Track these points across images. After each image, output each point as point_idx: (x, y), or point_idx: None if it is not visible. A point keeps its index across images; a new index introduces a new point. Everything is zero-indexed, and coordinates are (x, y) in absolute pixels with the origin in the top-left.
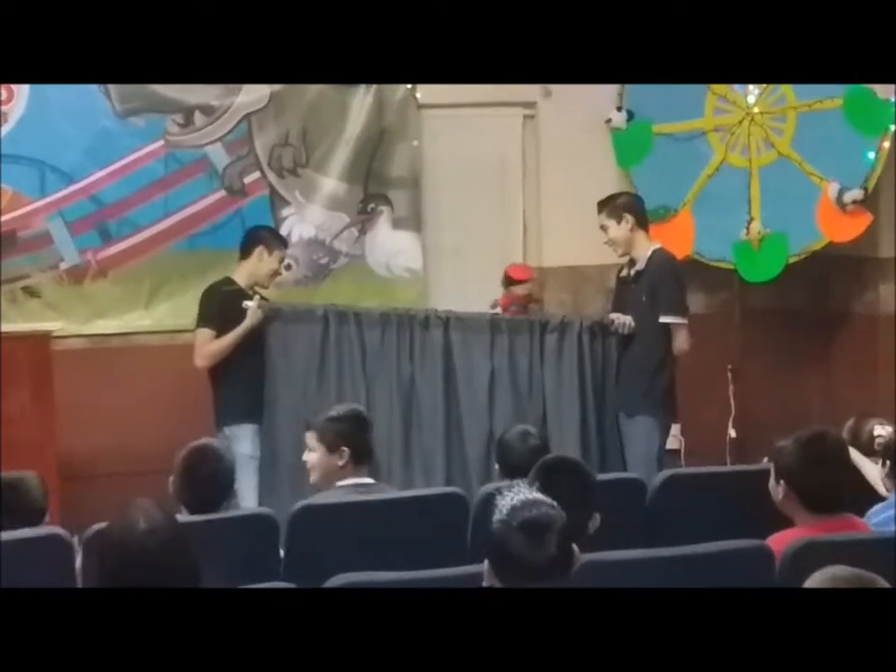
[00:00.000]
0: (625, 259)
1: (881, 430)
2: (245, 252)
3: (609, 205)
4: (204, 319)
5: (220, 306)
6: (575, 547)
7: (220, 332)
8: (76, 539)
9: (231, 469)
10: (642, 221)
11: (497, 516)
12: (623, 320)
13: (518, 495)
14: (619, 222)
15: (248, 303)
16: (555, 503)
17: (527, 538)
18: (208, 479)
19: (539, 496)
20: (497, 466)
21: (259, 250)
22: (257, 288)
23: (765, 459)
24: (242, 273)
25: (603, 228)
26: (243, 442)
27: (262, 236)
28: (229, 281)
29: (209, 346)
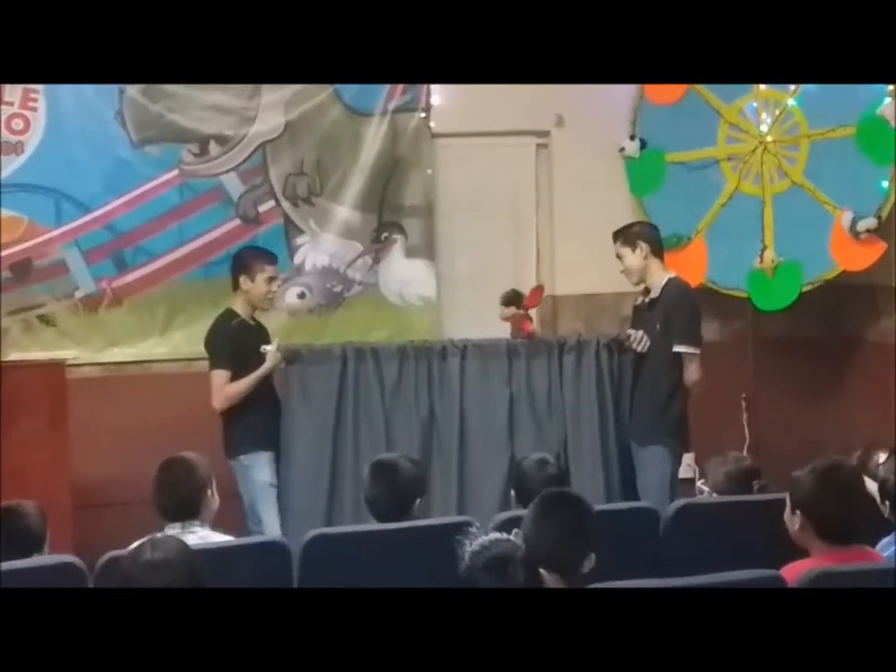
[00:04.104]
0: (640, 289)
1: (884, 458)
2: (234, 282)
3: (625, 234)
4: (218, 361)
5: (232, 344)
6: (542, 571)
7: (235, 370)
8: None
9: (203, 478)
10: (657, 250)
11: (461, 565)
12: (639, 336)
13: (476, 540)
14: (634, 250)
15: (267, 348)
16: (511, 537)
17: (493, 575)
18: (176, 485)
19: (494, 535)
20: (512, 493)
21: (243, 279)
22: (274, 340)
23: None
24: (239, 303)
25: (619, 256)
26: (261, 470)
27: (241, 263)
28: (231, 313)
29: (228, 389)
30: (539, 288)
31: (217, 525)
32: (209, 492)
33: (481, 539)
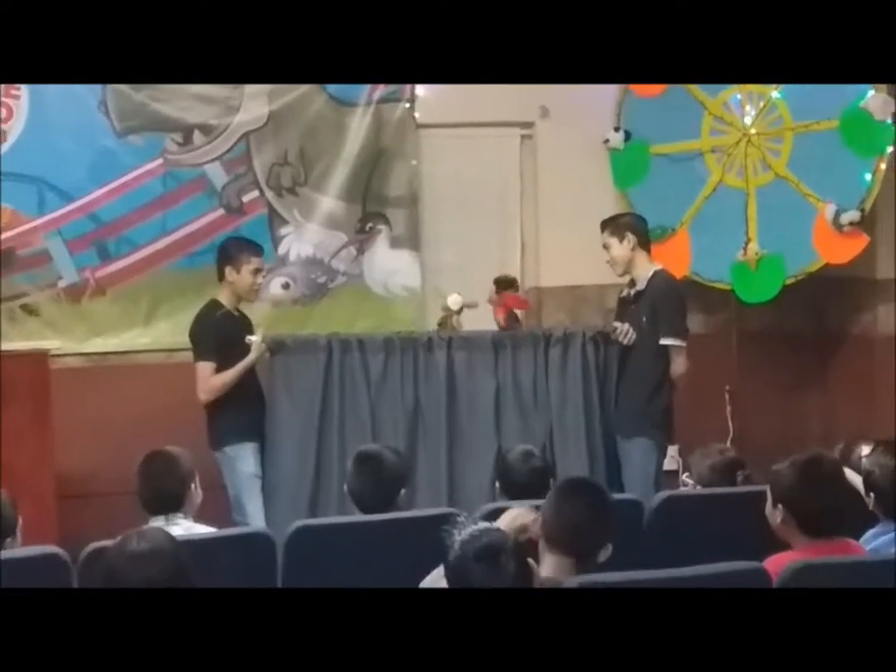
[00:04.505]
0: (625, 280)
1: (867, 450)
2: (219, 273)
3: (613, 224)
4: (203, 352)
5: (217, 336)
6: (531, 561)
7: (220, 362)
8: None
9: (185, 473)
10: (644, 242)
11: (451, 554)
12: (625, 328)
13: (465, 529)
14: (621, 241)
15: (252, 338)
16: (500, 527)
17: (484, 565)
18: (158, 479)
19: (483, 524)
20: (497, 484)
21: (228, 270)
22: (258, 330)
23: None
24: (224, 294)
25: (605, 246)
26: (246, 461)
27: (227, 255)
28: (216, 304)
29: (213, 381)
30: (524, 300)
31: (203, 516)
32: (192, 486)
33: (470, 528)
